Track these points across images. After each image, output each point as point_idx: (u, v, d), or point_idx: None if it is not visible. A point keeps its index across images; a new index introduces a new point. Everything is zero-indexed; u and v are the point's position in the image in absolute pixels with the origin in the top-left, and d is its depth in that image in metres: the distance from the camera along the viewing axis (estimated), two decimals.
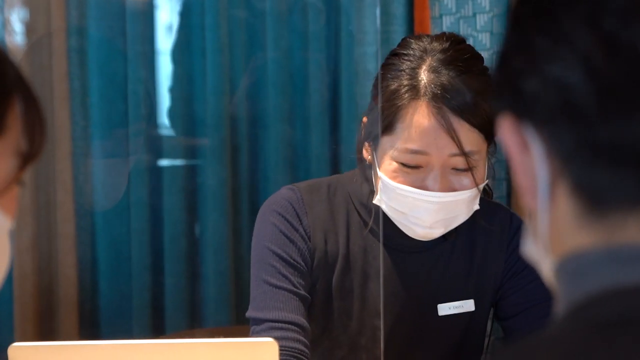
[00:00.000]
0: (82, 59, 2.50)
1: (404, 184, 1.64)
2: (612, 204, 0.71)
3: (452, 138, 1.60)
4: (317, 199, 1.76)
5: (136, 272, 2.57)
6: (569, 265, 0.73)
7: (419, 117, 1.62)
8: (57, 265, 2.53)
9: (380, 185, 1.68)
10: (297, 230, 1.73)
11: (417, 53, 1.65)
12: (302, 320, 1.69)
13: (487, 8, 2.38)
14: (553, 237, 0.75)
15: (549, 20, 0.73)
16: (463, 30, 2.44)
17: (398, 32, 2.48)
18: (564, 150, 0.72)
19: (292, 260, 1.71)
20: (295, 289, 1.70)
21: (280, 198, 1.77)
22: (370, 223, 1.75)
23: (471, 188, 1.64)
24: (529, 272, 1.76)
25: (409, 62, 1.65)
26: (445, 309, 1.76)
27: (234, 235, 2.60)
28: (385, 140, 1.65)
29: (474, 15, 2.39)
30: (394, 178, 1.65)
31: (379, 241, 1.75)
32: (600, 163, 0.71)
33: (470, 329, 1.79)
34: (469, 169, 1.63)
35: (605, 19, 0.71)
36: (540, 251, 0.78)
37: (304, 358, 1.67)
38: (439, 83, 1.61)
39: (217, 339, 1.35)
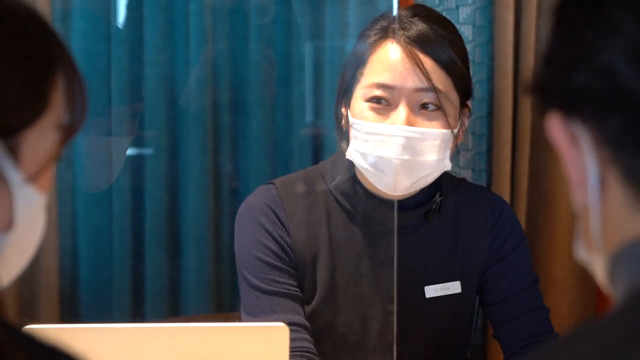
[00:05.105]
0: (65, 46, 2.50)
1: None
2: None
3: (419, 68, 1.61)
4: (294, 194, 1.76)
5: (117, 259, 2.57)
6: (631, 250, 0.74)
7: (386, 52, 1.66)
8: (38, 252, 2.52)
9: (352, 134, 1.69)
10: (277, 231, 1.73)
11: (392, 16, 1.71)
12: (301, 319, 1.70)
13: (470, 1, 2.41)
14: (606, 228, 0.76)
15: (596, 13, 0.75)
16: None
17: None
18: (612, 138, 0.74)
19: (277, 263, 1.72)
20: (286, 291, 1.71)
21: (257, 200, 1.76)
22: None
23: (440, 128, 1.63)
24: (514, 256, 1.79)
25: (383, 21, 1.71)
26: (432, 290, 1.77)
27: (215, 223, 2.61)
28: (356, 89, 1.68)
29: (457, 7, 2.42)
30: (363, 118, 1.66)
31: (365, 226, 1.76)
32: None
33: (458, 313, 1.80)
34: (438, 107, 1.63)
35: None
36: (592, 250, 0.78)
37: (313, 356, 1.69)
38: (408, 25, 1.66)
39: (228, 323, 1.37)
